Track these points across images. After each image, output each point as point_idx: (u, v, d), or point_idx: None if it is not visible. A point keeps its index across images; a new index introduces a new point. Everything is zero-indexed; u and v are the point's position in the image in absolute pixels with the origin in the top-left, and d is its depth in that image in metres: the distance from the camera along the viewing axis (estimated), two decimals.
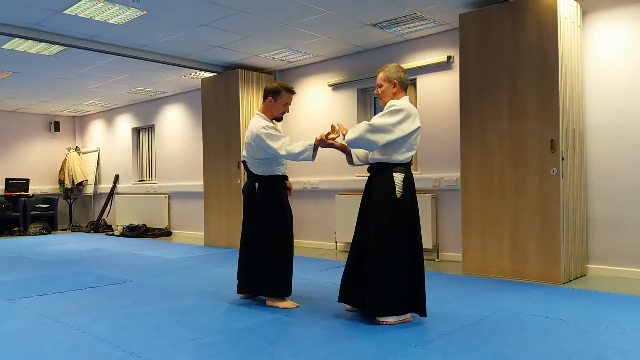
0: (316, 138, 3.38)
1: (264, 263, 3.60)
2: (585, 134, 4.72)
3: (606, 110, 4.61)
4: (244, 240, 3.76)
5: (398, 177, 3.14)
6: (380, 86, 3.31)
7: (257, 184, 3.67)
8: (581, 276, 4.59)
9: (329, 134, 3.35)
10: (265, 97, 3.71)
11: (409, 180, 3.18)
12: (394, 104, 3.21)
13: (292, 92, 3.72)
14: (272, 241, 3.61)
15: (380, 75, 3.31)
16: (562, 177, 4.30)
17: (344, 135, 3.24)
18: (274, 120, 3.73)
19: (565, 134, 4.37)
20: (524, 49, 4.47)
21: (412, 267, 3.12)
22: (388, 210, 3.12)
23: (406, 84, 3.32)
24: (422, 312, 3.14)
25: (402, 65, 5.88)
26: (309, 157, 3.42)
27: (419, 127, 3.21)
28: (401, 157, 3.17)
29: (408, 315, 3.17)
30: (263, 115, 3.70)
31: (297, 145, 3.44)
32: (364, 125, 3.15)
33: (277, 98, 3.66)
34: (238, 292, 3.83)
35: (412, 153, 3.22)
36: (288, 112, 3.79)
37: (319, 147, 3.40)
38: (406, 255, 3.11)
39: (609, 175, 4.59)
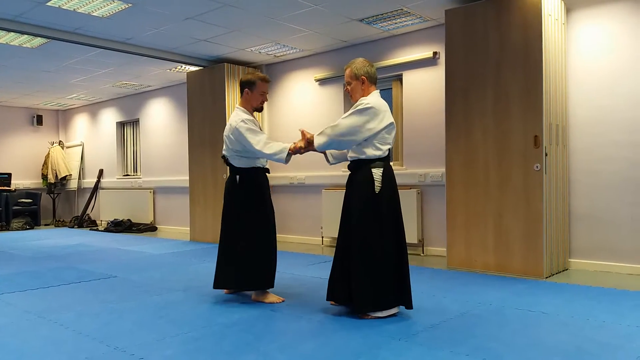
0: (290, 147, 3.40)
1: (245, 256, 3.57)
2: (569, 130, 4.78)
3: (589, 107, 4.67)
4: (224, 233, 3.72)
5: (377, 173, 3.13)
6: (349, 83, 3.29)
7: (238, 177, 3.67)
8: (563, 270, 4.66)
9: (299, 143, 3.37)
10: (242, 90, 3.73)
11: (387, 175, 3.17)
12: (362, 102, 3.19)
13: (267, 81, 3.75)
14: (253, 233, 3.60)
15: (348, 72, 3.29)
16: (546, 173, 4.36)
17: (310, 142, 3.28)
18: (254, 112, 3.76)
19: (549, 130, 4.42)
20: (508, 45, 4.51)
21: (396, 260, 3.14)
22: (369, 205, 3.13)
23: (375, 78, 3.30)
24: (409, 305, 3.17)
25: (388, 60, 5.99)
26: (282, 159, 3.44)
27: (390, 124, 3.19)
28: (377, 152, 3.16)
29: (395, 309, 3.20)
30: (243, 108, 3.71)
31: (274, 145, 3.47)
32: (329, 129, 3.18)
33: (253, 89, 3.69)
34: (214, 287, 3.75)
35: (389, 147, 3.22)
36: (267, 100, 3.81)
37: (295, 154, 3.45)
38: (390, 249, 3.13)
39: (591, 171, 4.66)
